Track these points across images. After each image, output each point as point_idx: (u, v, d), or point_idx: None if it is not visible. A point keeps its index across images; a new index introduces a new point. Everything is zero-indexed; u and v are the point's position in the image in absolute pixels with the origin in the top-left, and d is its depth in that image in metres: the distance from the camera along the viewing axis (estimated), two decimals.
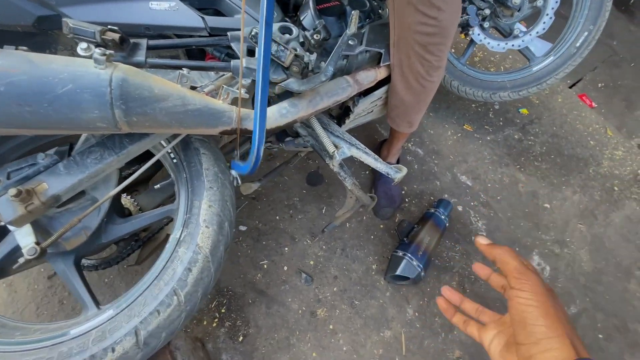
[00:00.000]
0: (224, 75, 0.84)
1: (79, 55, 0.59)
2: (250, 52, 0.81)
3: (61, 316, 1.01)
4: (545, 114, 1.66)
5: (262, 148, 0.69)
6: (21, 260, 0.66)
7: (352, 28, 0.85)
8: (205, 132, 0.70)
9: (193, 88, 0.76)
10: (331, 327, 1.07)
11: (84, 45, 0.60)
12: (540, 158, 1.52)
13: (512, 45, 1.32)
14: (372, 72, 0.94)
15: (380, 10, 0.99)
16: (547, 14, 1.25)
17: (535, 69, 1.35)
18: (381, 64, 0.96)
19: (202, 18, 0.82)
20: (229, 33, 0.79)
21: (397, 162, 1.35)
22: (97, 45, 0.62)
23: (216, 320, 1.05)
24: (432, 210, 1.23)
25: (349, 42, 0.88)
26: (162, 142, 0.77)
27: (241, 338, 1.03)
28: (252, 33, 0.74)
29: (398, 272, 1.08)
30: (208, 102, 0.66)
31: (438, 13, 0.79)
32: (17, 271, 0.75)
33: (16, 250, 0.71)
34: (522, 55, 1.39)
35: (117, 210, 0.83)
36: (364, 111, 1.08)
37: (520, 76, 1.37)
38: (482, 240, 0.43)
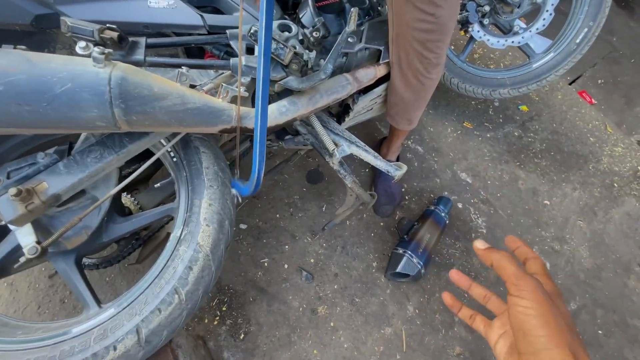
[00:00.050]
0: (223, 73, 0.84)
1: (77, 54, 0.59)
2: (250, 50, 0.81)
3: (62, 315, 1.02)
4: (545, 111, 1.66)
5: (262, 172, 0.68)
6: (22, 259, 0.66)
7: (351, 25, 0.84)
8: (204, 130, 0.70)
9: (192, 86, 0.76)
10: (332, 324, 1.07)
11: (82, 44, 0.60)
12: (540, 155, 1.52)
13: (512, 42, 1.32)
14: (371, 70, 0.94)
15: (379, 7, 0.99)
16: (547, 11, 1.25)
17: (535, 66, 1.35)
18: (380, 62, 0.96)
19: (201, 16, 0.81)
20: (227, 31, 0.79)
21: (397, 160, 1.35)
22: (96, 44, 0.62)
23: (217, 318, 1.05)
24: (432, 208, 1.23)
25: (348, 39, 0.88)
26: (162, 141, 0.77)
27: (242, 336, 1.03)
28: (251, 31, 0.74)
29: (398, 270, 1.08)
30: (207, 101, 0.66)
31: (436, 10, 0.79)
32: (18, 270, 0.75)
33: (17, 250, 0.71)
34: (522, 52, 1.38)
35: (117, 209, 0.83)
36: (364, 109, 1.07)
37: (520, 73, 1.37)
38: (479, 245, 0.41)
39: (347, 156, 0.94)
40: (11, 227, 0.68)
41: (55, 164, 0.67)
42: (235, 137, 0.74)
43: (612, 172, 1.52)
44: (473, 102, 1.63)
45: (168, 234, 0.81)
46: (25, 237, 0.67)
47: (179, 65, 0.75)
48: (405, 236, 1.17)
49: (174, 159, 0.79)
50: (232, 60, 0.76)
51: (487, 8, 1.28)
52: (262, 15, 0.55)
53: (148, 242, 0.97)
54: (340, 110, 1.08)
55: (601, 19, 1.23)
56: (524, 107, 1.66)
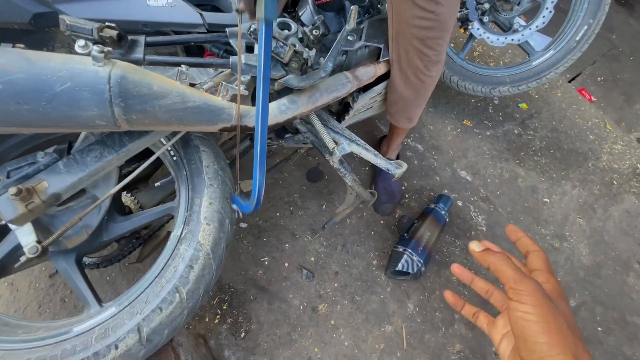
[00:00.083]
0: (223, 71, 0.83)
1: (76, 53, 0.59)
2: (249, 49, 0.81)
3: (63, 314, 1.02)
4: (544, 109, 1.66)
5: (262, 191, 0.68)
6: (22, 258, 0.66)
7: (351, 23, 0.84)
8: (204, 129, 0.70)
9: (192, 85, 0.76)
10: (332, 322, 1.08)
11: (81, 42, 0.59)
12: (540, 153, 1.53)
13: (512, 39, 1.32)
14: (371, 68, 0.94)
15: (379, 5, 0.99)
16: (547, 8, 1.25)
17: (535, 64, 1.35)
18: (380, 60, 0.96)
19: (200, 14, 0.81)
20: (227, 29, 0.79)
21: (397, 158, 1.35)
22: (95, 43, 0.61)
23: (218, 316, 1.05)
24: (432, 206, 1.23)
25: (348, 37, 0.87)
26: (162, 140, 0.77)
27: (243, 334, 1.03)
28: (251, 29, 0.74)
29: (399, 268, 1.09)
30: (207, 99, 0.66)
31: (436, 7, 0.78)
32: (18, 270, 0.75)
33: (17, 249, 0.71)
34: (522, 49, 1.38)
35: (117, 208, 0.83)
36: (364, 107, 1.07)
37: (520, 71, 1.37)
38: (475, 247, 0.39)
39: (347, 154, 0.94)
40: (11, 226, 0.68)
41: (55, 163, 0.67)
42: (235, 135, 0.74)
43: (612, 170, 1.52)
44: (473, 100, 1.63)
45: (168, 233, 0.81)
46: (26, 237, 0.67)
47: (178, 64, 0.75)
48: (405, 234, 1.17)
49: (174, 158, 0.79)
50: (232, 59, 0.76)
51: (486, 5, 1.28)
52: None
53: (148, 241, 0.97)
54: (340, 109, 1.08)
55: (601, 17, 1.23)
56: (523, 105, 1.66)
